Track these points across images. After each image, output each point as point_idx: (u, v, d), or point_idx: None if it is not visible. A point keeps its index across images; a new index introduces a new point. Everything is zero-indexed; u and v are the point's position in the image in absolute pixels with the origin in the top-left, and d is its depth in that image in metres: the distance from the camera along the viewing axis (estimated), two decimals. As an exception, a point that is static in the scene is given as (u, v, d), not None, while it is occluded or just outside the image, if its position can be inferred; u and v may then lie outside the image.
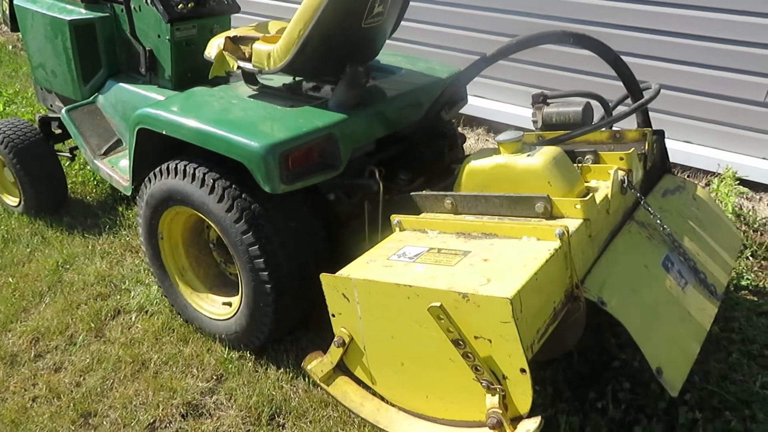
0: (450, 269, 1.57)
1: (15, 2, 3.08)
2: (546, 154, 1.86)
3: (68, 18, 2.83)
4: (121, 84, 2.89)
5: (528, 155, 1.88)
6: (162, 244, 2.35)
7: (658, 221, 2.00)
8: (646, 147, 2.20)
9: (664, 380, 1.61)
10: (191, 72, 2.83)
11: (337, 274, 1.66)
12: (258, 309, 2.08)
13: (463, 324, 1.42)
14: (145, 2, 2.68)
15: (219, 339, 2.32)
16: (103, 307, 2.59)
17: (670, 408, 1.99)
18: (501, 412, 1.41)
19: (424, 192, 2.04)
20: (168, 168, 2.13)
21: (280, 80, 2.43)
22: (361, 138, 2.14)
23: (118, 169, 2.71)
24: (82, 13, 2.88)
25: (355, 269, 1.68)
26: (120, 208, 3.30)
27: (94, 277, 2.78)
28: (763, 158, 3.34)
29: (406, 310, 1.52)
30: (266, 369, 2.24)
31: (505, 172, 1.90)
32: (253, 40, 2.25)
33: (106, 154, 2.83)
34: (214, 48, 2.26)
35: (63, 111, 2.90)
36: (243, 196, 1.99)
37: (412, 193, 2.06)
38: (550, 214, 1.75)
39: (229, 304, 2.30)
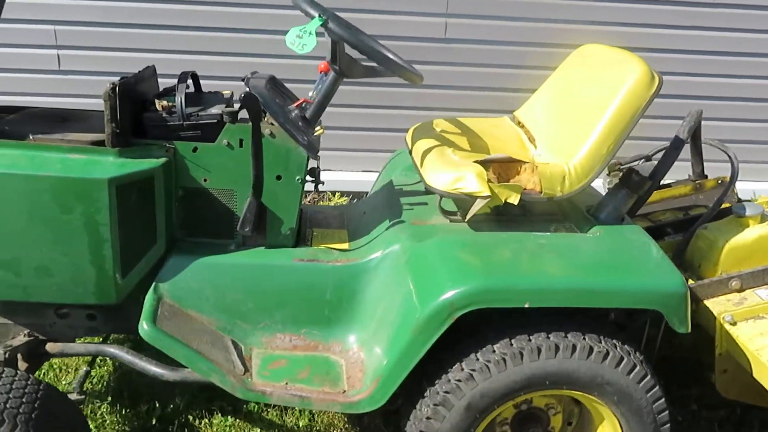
0: None
1: None
2: (797, 218, 2.21)
3: (105, 176, 1.75)
4: (202, 260, 1.92)
5: (782, 222, 2.20)
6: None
7: None
8: (733, 190, 2.75)
9: None
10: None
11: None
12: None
13: None
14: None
15: None
16: None
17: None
18: None
19: (704, 281, 2.14)
20: (522, 350, 1.65)
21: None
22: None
23: (318, 383, 1.82)
24: (113, 163, 1.77)
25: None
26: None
27: None
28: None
29: None
30: None
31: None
32: (503, 161, 1.89)
33: (244, 366, 1.86)
34: (471, 181, 1.78)
35: (144, 326, 1.76)
36: (628, 348, 1.73)
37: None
38: None
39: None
